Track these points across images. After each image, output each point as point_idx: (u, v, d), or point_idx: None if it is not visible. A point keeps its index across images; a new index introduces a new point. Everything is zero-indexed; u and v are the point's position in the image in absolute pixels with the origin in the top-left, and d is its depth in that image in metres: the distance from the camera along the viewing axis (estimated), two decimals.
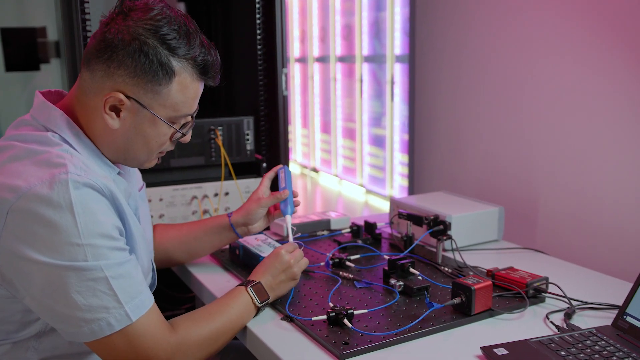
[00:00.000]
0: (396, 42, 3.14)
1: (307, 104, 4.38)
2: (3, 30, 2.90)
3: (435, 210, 1.53)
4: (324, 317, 1.12)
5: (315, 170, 4.29)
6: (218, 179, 1.89)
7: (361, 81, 3.55)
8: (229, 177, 1.89)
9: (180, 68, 1.02)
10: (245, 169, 1.97)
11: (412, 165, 2.33)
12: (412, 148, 2.30)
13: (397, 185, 3.24)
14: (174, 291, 1.93)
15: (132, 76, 1.00)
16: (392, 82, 3.17)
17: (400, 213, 1.54)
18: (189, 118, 1.10)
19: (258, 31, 1.92)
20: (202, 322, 1.06)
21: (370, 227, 1.59)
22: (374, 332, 1.09)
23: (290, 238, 1.34)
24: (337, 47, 3.87)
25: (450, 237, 1.42)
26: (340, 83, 3.88)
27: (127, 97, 1.01)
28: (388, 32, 3.17)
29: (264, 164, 1.95)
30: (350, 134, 3.80)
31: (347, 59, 3.78)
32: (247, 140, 1.92)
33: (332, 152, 4.01)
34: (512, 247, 1.60)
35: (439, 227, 1.43)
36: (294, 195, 1.40)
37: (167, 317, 1.05)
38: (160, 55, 1.00)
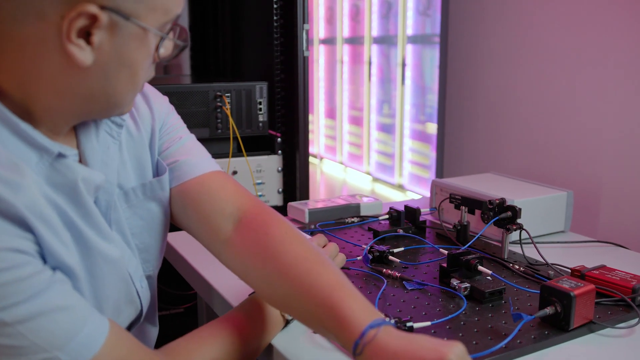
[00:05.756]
0: (408, 22, 2.90)
1: (312, 89, 4.12)
2: None
3: (496, 194, 1.24)
4: None
5: (316, 156, 4.02)
6: (225, 155, 1.60)
7: (370, 64, 3.31)
8: (237, 153, 1.60)
9: None
10: (257, 144, 1.68)
11: (441, 148, 2.05)
12: (442, 132, 2.01)
13: (407, 173, 3.03)
14: (173, 288, 1.64)
15: None
16: (403, 65, 2.94)
17: (453, 197, 1.25)
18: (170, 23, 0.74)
19: None
20: (213, 342, 0.77)
21: (412, 213, 1.30)
22: None
23: None
24: (345, 28, 3.62)
25: (520, 227, 1.14)
26: (347, 66, 3.63)
27: (102, 7, 0.65)
28: (400, 12, 2.93)
29: (279, 139, 1.66)
30: (356, 119, 3.55)
31: (354, 41, 3.52)
32: (260, 110, 1.63)
33: (337, 139, 3.77)
34: (585, 240, 1.31)
35: (507, 214, 1.14)
36: None
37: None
38: None
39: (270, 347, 0.85)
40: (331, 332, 0.71)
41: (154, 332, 0.97)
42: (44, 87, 0.68)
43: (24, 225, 0.63)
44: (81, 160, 0.77)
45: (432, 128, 2.58)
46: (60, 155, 0.70)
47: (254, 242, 0.81)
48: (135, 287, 0.84)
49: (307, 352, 0.83)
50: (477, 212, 1.28)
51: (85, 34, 0.65)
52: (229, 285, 1.04)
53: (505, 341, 0.80)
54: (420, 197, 2.45)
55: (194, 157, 0.90)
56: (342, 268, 1.08)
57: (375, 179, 3.31)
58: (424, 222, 1.31)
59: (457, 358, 0.64)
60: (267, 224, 0.83)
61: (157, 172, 0.88)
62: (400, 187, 3.00)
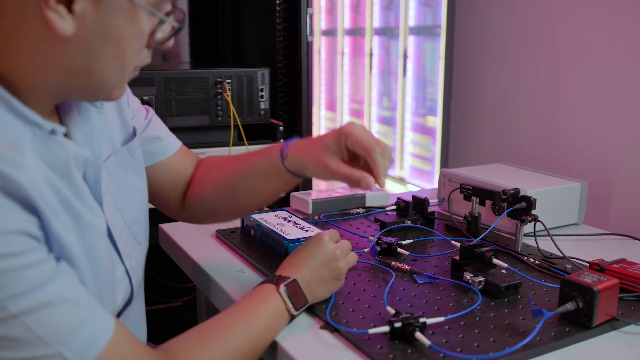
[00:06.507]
0: (410, 13, 2.85)
1: (313, 80, 4.07)
2: None
3: (508, 184, 1.19)
4: (386, 328, 0.78)
5: None
6: (226, 143, 1.55)
7: (370, 55, 3.26)
8: (238, 141, 1.55)
9: None
10: (259, 132, 1.63)
11: (446, 140, 2.00)
12: (447, 123, 1.97)
13: (408, 165, 2.99)
14: (171, 281, 1.59)
15: None
16: (405, 57, 2.90)
17: (464, 187, 1.20)
18: (169, 5, 0.70)
19: None
20: (215, 340, 0.72)
21: (420, 204, 1.25)
22: (460, 351, 0.75)
23: None
24: (345, 19, 3.57)
25: (535, 218, 1.09)
26: (348, 57, 3.58)
27: None
28: (402, 3, 2.88)
29: (281, 127, 1.61)
30: (357, 112, 3.50)
31: (355, 32, 3.47)
32: (262, 97, 1.57)
33: None
34: (599, 233, 1.26)
35: (521, 205, 1.09)
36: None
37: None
38: None
39: (274, 344, 0.80)
40: (270, 168, 0.88)
41: (144, 320, 0.92)
42: (26, 61, 0.63)
43: (30, 207, 0.60)
44: (66, 136, 0.73)
45: (433, 121, 2.53)
46: (53, 132, 0.66)
47: (197, 179, 0.98)
48: (124, 266, 0.80)
49: (312, 350, 0.78)
50: (488, 203, 1.23)
51: (67, 2, 0.60)
52: (229, 278, 0.99)
53: (528, 339, 0.75)
54: (420, 189, 2.41)
55: (166, 133, 0.98)
56: None
57: None
58: (433, 213, 1.26)
59: (352, 126, 0.83)
60: (202, 162, 1.02)
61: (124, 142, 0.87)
62: (401, 180, 2.96)
